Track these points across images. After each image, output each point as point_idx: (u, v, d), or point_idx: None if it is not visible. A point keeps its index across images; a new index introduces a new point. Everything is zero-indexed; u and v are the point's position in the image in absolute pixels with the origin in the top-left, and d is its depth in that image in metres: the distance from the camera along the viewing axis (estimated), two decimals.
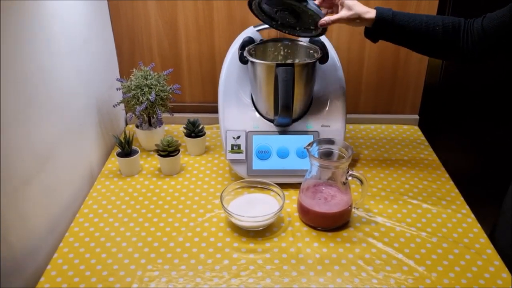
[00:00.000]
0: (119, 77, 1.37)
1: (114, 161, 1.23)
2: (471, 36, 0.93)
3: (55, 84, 0.98)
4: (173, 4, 1.29)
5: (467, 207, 1.06)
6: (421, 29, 0.95)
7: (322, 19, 0.98)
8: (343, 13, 0.97)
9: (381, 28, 0.96)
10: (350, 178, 0.98)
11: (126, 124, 1.45)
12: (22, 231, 0.87)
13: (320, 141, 1.02)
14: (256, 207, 1.01)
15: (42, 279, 0.87)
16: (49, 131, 0.96)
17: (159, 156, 1.17)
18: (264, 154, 1.12)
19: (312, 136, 1.12)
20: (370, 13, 0.96)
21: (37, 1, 0.91)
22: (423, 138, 1.36)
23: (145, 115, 1.26)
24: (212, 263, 0.90)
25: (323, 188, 1.01)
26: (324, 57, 1.09)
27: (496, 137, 1.51)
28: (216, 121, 1.37)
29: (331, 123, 1.13)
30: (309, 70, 1.07)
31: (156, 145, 1.17)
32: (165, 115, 1.29)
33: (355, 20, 0.96)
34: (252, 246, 0.95)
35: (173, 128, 1.41)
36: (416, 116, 1.43)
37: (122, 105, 1.29)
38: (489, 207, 1.14)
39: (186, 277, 0.87)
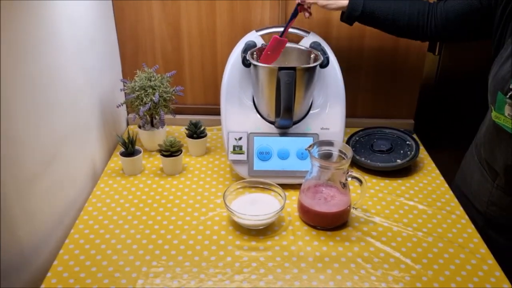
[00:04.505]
0: (122, 78, 1.39)
1: (117, 161, 1.25)
2: (435, 19, 1.06)
3: (62, 84, 1.01)
4: (177, 8, 1.32)
5: (461, 208, 1.10)
6: (389, 15, 1.08)
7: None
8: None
9: (353, 13, 1.09)
10: (349, 178, 1.01)
11: (128, 124, 1.47)
12: (29, 227, 0.88)
13: (321, 143, 1.05)
14: (258, 206, 1.04)
15: (49, 274, 0.88)
16: (56, 130, 0.98)
17: (161, 156, 1.19)
18: (265, 155, 1.14)
19: (312, 138, 1.15)
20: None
21: (45, 2, 0.93)
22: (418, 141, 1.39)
23: (148, 116, 1.28)
24: (215, 260, 0.93)
25: (323, 189, 1.04)
26: (325, 61, 1.13)
27: None
28: (216, 123, 1.40)
29: (331, 126, 1.16)
30: (310, 74, 1.11)
31: (159, 145, 1.19)
32: (167, 116, 1.31)
33: (330, 5, 1.10)
34: (254, 244, 0.98)
35: (174, 130, 1.44)
36: (412, 121, 1.47)
37: (124, 106, 1.32)
38: None
39: (191, 273, 0.89)
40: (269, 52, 1.14)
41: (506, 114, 0.92)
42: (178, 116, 1.36)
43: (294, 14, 1.14)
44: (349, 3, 1.09)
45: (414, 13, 1.07)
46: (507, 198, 1.02)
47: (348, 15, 1.10)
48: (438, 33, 1.07)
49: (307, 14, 1.15)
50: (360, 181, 1.01)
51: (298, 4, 1.13)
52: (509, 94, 0.90)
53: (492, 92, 0.96)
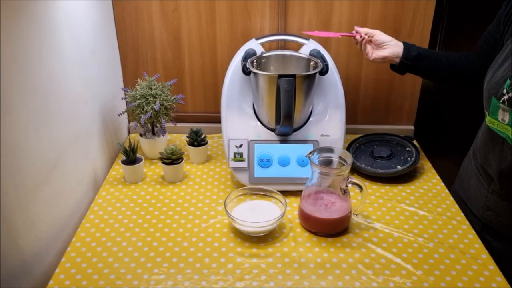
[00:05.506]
0: (123, 87, 1.40)
1: (118, 169, 1.26)
2: (471, 68, 1.10)
3: (63, 92, 1.02)
4: (177, 18, 1.33)
5: (461, 214, 1.10)
6: (441, 65, 1.12)
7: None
8: (388, 51, 1.11)
9: (407, 64, 1.11)
10: (350, 185, 1.01)
11: (129, 132, 1.48)
12: (30, 235, 0.89)
13: (321, 150, 1.06)
14: (258, 213, 1.04)
15: (51, 282, 0.89)
16: (58, 138, 0.99)
17: (163, 164, 1.19)
18: (265, 162, 1.15)
19: (312, 145, 1.16)
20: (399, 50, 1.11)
21: (47, 11, 0.94)
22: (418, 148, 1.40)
23: (149, 124, 1.29)
24: (216, 267, 0.93)
25: (324, 195, 1.04)
26: (324, 69, 1.14)
27: None
28: (217, 130, 1.41)
29: (331, 133, 1.17)
30: (310, 81, 1.11)
31: (160, 153, 1.20)
32: (168, 125, 1.32)
33: (385, 47, 1.12)
34: (255, 251, 0.98)
35: (175, 138, 1.44)
36: (412, 127, 1.48)
37: (125, 114, 1.32)
38: None
39: (192, 280, 0.90)
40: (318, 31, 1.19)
41: (500, 119, 0.93)
42: (179, 124, 1.37)
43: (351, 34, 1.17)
44: (403, 51, 1.10)
45: (463, 62, 1.11)
46: (502, 203, 1.02)
47: (402, 63, 1.11)
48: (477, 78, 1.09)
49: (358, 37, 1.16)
50: (360, 187, 1.01)
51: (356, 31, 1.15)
52: (502, 99, 0.91)
53: (486, 97, 0.97)
